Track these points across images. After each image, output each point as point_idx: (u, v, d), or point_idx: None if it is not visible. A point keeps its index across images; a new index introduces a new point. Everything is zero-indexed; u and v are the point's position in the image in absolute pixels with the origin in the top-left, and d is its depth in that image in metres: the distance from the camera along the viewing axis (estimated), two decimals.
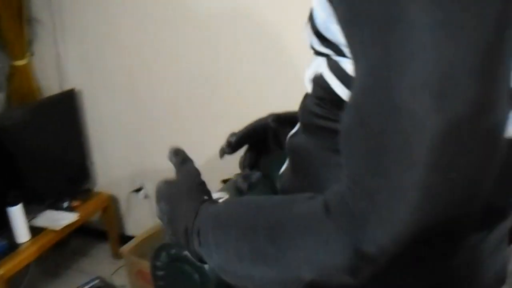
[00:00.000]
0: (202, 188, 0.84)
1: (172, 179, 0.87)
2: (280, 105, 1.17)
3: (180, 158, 0.89)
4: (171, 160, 0.91)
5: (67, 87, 2.97)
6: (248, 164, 1.16)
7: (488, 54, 0.51)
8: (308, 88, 0.77)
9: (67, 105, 2.91)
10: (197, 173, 0.86)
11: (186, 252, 1.17)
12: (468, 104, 0.50)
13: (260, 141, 1.17)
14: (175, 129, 2.85)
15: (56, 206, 2.82)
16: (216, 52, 2.54)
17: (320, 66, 0.71)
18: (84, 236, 3.24)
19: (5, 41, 2.85)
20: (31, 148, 2.71)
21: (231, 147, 1.13)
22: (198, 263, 0.81)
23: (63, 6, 2.88)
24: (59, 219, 2.71)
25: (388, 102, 0.52)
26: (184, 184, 0.84)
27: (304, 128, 0.81)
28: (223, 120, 2.54)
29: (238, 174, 2.26)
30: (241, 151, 1.22)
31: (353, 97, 0.57)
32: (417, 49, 0.50)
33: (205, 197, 0.81)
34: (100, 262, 3.10)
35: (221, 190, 2.17)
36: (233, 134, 1.13)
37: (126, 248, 2.67)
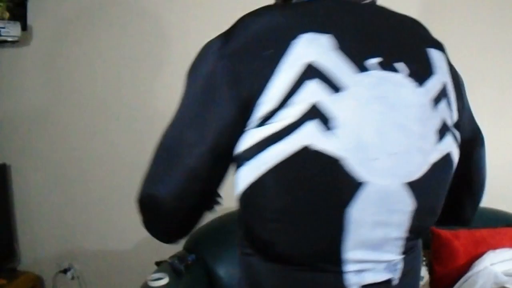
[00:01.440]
0: None
1: None
2: None
3: None
4: None
5: None
6: None
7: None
8: None
9: None
10: None
11: None
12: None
13: None
14: (105, 211, 2.81)
15: None
16: (149, 137, 2.55)
17: None
18: None
19: None
20: None
21: None
22: None
23: None
24: None
25: None
26: None
27: None
28: None
29: (173, 256, 2.24)
30: None
31: None
32: None
33: None
34: None
35: (159, 271, 2.14)
36: None
37: None
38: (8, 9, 2.70)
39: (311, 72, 0.89)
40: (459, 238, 2.30)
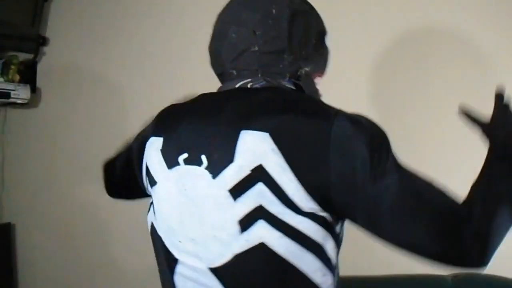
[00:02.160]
0: None
1: None
2: None
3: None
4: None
5: (1, 220, 2.90)
6: None
7: None
8: None
9: (1, 238, 2.82)
10: None
11: None
12: None
13: None
14: (112, 271, 2.81)
15: None
16: None
17: None
18: None
19: None
20: None
21: None
22: None
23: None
24: None
25: None
26: None
27: None
28: None
29: None
30: None
31: None
32: None
33: None
34: None
35: None
36: None
37: None
38: (19, 71, 2.77)
39: (146, 168, 1.20)
40: None
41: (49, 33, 2.90)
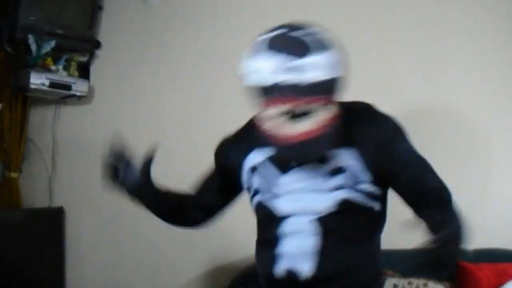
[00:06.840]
0: None
1: None
2: None
3: None
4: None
5: (53, 204, 3.13)
6: None
7: None
8: None
9: (52, 221, 3.04)
10: None
11: None
12: None
13: None
14: (155, 256, 3.03)
15: None
16: None
17: None
18: None
19: (4, 154, 3.06)
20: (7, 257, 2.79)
21: None
22: None
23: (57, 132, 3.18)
24: None
25: None
26: None
27: None
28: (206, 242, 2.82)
29: None
30: None
31: None
32: None
33: None
34: None
35: None
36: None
37: None
38: (77, 69, 3.08)
39: None
40: (482, 270, 2.58)
41: (101, 38, 3.20)
